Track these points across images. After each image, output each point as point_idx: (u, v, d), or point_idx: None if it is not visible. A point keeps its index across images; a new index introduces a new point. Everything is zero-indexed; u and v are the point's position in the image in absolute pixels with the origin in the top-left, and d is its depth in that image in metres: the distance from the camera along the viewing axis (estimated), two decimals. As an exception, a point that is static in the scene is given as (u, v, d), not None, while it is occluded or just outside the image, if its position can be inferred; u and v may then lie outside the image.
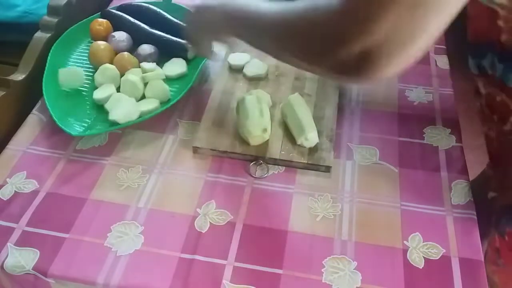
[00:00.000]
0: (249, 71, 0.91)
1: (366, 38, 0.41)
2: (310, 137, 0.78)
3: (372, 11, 0.41)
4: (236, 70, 0.92)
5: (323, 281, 0.64)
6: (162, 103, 0.84)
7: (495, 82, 0.70)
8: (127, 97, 0.82)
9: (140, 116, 0.81)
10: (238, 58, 0.93)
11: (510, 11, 0.61)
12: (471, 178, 0.77)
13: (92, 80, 0.88)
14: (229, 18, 0.66)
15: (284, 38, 0.53)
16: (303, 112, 0.80)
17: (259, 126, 0.77)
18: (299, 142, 0.78)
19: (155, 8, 0.99)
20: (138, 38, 0.95)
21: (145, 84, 0.86)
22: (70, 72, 0.87)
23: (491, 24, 0.64)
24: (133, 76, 0.85)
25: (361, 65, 0.43)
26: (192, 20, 0.78)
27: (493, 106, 0.74)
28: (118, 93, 0.84)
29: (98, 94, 0.85)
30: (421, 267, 0.66)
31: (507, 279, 0.82)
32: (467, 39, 0.72)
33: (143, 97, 0.86)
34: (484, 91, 0.74)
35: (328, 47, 0.46)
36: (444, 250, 0.67)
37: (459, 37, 0.73)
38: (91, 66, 0.92)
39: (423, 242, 0.68)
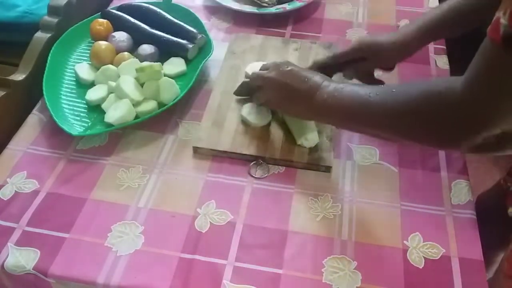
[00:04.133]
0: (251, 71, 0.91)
1: (507, 122, 0.43)
2: (310, 137, 0.78)
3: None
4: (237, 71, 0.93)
5: (323, 281, 0.64)
6: (161, 103, 0.84)
7: None
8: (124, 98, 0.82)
9: (138, 117, 0.81)
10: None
11: None
12: (478, 186, 0.76)
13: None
14: (318, 106, 0.65)
15: (404, 127, 0.53)
16: (303, 112, 0.80)
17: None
18: (299, 142, 0.78)
19: (155, 8, 1.00)
20: (138, 38, 0.95)
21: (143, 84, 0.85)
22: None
23: None
24: (124, 83, 0.82)
25: (501, 142, 0.45)
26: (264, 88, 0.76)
27: None
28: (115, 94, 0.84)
29: (90, 96, 0.85)
30: (421, 267, 0.66)
31: None
32: None
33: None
34: None
35: (465, 132, 0.46)
36: (444, 250, 0.67)
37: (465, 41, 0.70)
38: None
39: (423, 242, 0.68)
